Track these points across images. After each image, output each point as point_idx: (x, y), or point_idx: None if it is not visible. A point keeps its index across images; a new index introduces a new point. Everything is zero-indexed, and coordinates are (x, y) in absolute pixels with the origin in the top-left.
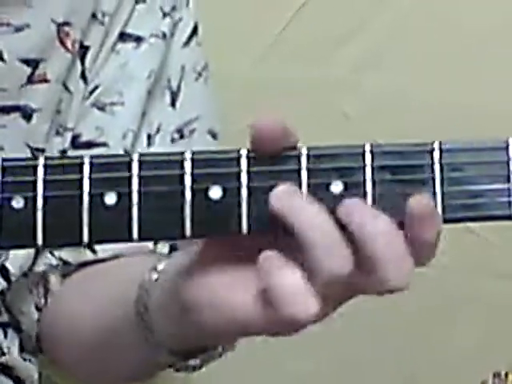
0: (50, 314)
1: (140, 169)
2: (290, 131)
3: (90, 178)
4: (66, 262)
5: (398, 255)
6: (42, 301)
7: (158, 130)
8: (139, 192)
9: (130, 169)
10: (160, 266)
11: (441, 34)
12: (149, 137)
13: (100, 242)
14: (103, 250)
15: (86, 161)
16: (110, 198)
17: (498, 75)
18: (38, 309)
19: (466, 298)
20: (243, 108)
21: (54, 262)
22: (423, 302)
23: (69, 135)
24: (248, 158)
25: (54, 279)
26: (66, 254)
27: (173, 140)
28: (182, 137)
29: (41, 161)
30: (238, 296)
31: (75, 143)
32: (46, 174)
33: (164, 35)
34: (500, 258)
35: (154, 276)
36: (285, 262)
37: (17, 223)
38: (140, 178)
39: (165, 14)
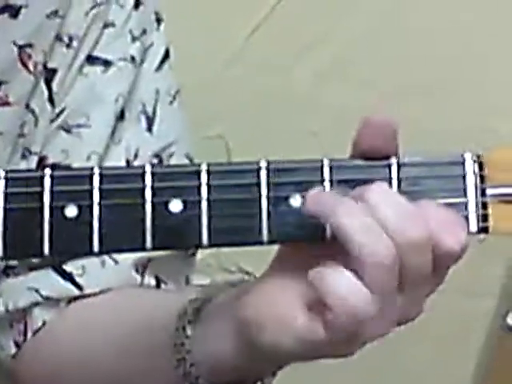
0: (38, 351)
1: (101, 182)
2: (396, 137)
3: (52, 191)
4: (48, 298)
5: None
6: (21, 338)
7: (136, 156)
8: (100, 205)
9: (91, 182)
10: (196, 297)
11: (408, 46)
12: (127, 162)
13: (60, 254)
14: (88, 285)
15: (47, 173)
16: (71, 211)
17: (467, 91)
18: (17, 345)
19: (426, 312)
20: (208, 115)
21: (39, 298)
22: None
23: (34, 159)
24: (208, 171)
25: (36, 315)
26: (49, 290)
27: None
28: (160, 161)
29: (1, 174)
30: (293, 309)
31: (41, 166)
32: (6, 186)
33: (133, 59)
34: (460, 273)
35: (195, 306)
36: (332, 267)
37: None
38: (101, 190)
39: (134, 38)
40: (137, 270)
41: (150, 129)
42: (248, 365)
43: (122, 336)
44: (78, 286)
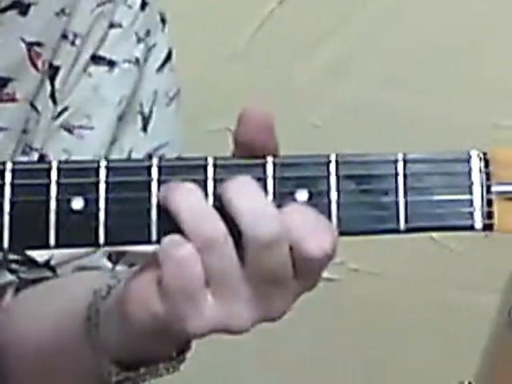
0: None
1: (107, 175)
2: (273, 130)
3: (58, 183)
4: (22, 279)
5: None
6: None
7: (129, 155)
8: (106, 197)
9: (97, 174)
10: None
11: (414, 40)
12: None
13: (67, 246)
14: (62, 268)
15: (54, 166)
16: (77, 203)
17: (470, 88)
18: None
19: (431, 308)
20: (212, 109)
21: (14, 279)
22: (389, 312)
23: (35, 155)
24: (214, 165)
25: (9, 294)
26: (27, 273)
27: None
28: None
29: (8, 165)
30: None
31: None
32: (13, 178)
33: (137, 60)
34: (464, 269)
35: (111, 282)
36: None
37: None
38: (107, 183)
39: (139, 40)
40: (109, 259)
41: (144, 128)
42: (133, 343)
43: (49, 317)
44: (53, 270)
